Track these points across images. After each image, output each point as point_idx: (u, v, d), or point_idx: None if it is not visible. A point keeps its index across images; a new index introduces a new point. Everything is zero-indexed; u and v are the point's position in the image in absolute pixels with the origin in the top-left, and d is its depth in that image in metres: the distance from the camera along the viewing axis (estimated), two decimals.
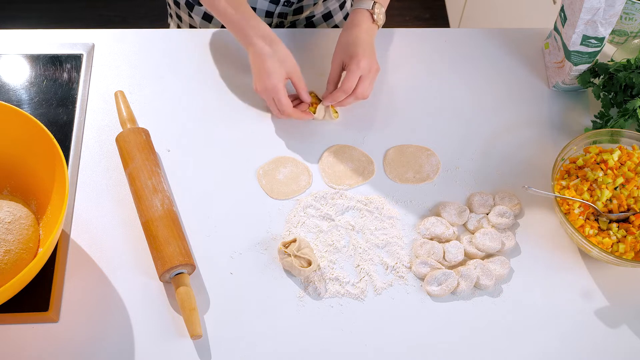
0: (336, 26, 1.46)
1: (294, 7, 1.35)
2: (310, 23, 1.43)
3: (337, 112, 1.15)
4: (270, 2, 1.31)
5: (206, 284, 0.99)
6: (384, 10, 1.15)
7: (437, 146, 1.15)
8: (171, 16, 1.47)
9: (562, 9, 1.15)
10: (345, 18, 1.47)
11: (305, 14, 1.39)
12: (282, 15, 1.36)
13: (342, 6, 1.46)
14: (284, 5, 1.32)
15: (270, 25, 1.39)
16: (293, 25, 1.42)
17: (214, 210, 1.06)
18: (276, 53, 1.08)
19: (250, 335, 0.95)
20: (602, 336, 0.97)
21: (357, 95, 1.11)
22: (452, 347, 0.95)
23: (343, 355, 0.94)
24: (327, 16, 1.44)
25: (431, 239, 1.04)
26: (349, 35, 1.12)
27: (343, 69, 1.13)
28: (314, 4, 1.36)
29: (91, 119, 1.15)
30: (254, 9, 1.34)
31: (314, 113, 1.14)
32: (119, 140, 1.07)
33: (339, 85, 1.11)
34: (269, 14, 1.34)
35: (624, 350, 0.96)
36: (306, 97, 1.13)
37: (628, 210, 1.02)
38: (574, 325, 0.98)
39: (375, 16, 1.13)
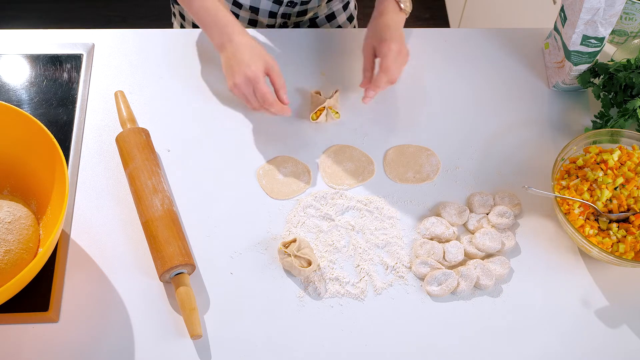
0: (339, 27, 1.46)
1: (297, 8, 1.34)
2: (313, 24, 1.43)
3: (337, 112, 1.15)
4: (273, 2, 1.31)
5: (206, 284, 0.99)
6: None
7: (437, 146, 1.15)
8: (174, 15, 1.47)
9: (562, 9, 1.15)
10: (348, 19, 1.47)
11: (309, 15, 1.39)
12: (285, 15, 1.36)
13: (345, 7, 1.45)
14: (287, 5, 1.32)
15: (273, 25, 1.39)
16: (297, 26, 1.42)
17: (214, 210, 1.06)
18: (255, 47, 1.07)
19: (250, 335, 0.95)
20: (602, 336, 0.97)
21: (389, 78, 1.11)
22: (452, 347, 0.95)
23: (343, 355, 0.94)
24: (331, 17, 1.44)
25: (431, 239, 1.04)
26: (377, 24, 1.13)
27: (375, 56, 1.13)
28: (318, 5, 1.36)
29: (91, 119, 1.15)
30: (257, 9, 1.34)
31: (317, 118, 1.14)
32: (119, 140, 1.07)
33: (380, 69, 1.10)
34: (272, 15, 1.34)
35: (624, 350, 0.96)
36: (284, 97, 1.10)
37: (628, 210, 1.02)
38: (574, 325, 0.98)
39: (402, 4, 1.13)
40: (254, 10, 1.35)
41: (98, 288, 0.98)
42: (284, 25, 1.39)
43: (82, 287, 0.98)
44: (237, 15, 1.38)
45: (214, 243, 1.03)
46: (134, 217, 1.04)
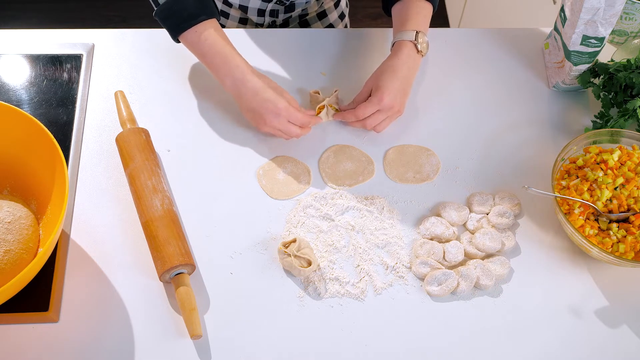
0: (331, 25, 1.46)
1: (285, 4, 1.34)
2: (304, 22, 1.43)
3: (339, 110, 1.15)
4: (262, 0, 1.31)
5: (206, 284, 0.99)
6: (426, 38, 1.12)
7: (437, 146, 1.15)
8: None
9: (562, 9, 1.15)
10: (340, 17, 1.47)
11: (297, 11, 1.39)
12: (273, 13, 1.36)
13: (336, 5, 1.45)
14: (275, 3, 1.32)
15: (262, 24, 1.39)
16: (286, 23, 1.41)
17: (214, 210, 1.06)
18: (270, 83, 1.07)
19: (250, 335, 0.95)
20: (602, 336, 0.97)
21: (365, 125, 1.10)
22: (452, 347, 0.95)
23: (343, 355, 0.94)
24: (322, 15, 1.44)
25: (431, 239, 1.04)
26: (386, 64, 1.10)
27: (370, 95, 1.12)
28: (306, 2, 1.36)
29: (91, 119, 1.15)
30: (246, 7, 1.34)
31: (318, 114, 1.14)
32: (119, 140, 1.07)
33: (355, 108, 1.10)
34: (260, 12, 1.34)
35: (624, 350, 0.96)
36: (312, 112, 1.12)
37: (628, 210, 1.02)
38: (574, 325, 0.98)
39: (419, 46, 1.11)
40: (243, 8, 1.35)
41: (98, 288, 0.98)
42: (273, 23, 1.39)
43: (82, 287, 0.98)
44: (227, 15, 1.38)
45: (214, 243, 1.03)
46: (134, 217, 1.04)
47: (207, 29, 1.07)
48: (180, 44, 1.12)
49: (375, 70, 1.12)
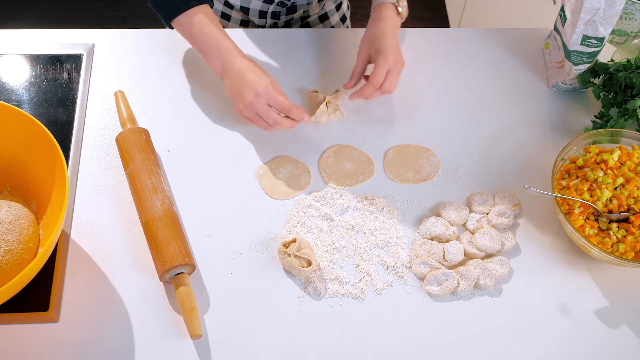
0: (332, 27, 1.46)
1: (287, 6, 1.34)
2: (306, 24, 1.43)
3: (341, 111, 1.15)
4: (263, 2, 1.31)
5: (206, 284, 0.99)
6: (405, 3, 1.16)
7: (437, 146, 1.15)
8: None
9: (562, 9, 1.15)
10: (341, 19, 1.47)
11: (299, 13, 1.39)
12: (275, 15, 1.35)
13: (338, 7, 1.45)
14: (277, 5, 1.32)
15: (264, 26, 1.39)
16: (287, 25, 1.41)
17: (214, 210, 1.06)
18: (257, 67, 1.07)
19: (250, 335, 0.95)
20: (602, 336, 0.97)
21: (383, 89, 1.11)
22: (452, 347, 0.95)
23: (343, 355, 0.94)
24: (324, 17, 1.44)
25: (431, 239, 1.04)
26: (375, 29, 1.13)
27: (369, 62, 1.14)
28: (308, 4, 1.36)
29: (91, 119, 1.15)
30: (247, 9, 1.34)
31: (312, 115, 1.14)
32: (119, 140, 1.07)
33: (369, 80, 1.11)
34: (262, 14, 1.34)
35: (624, 350, 0.96)
36: (295, 107, 1.07)
37: (628, 210, 1.02)
38: (574, 325, 0.98)
39: (400, 9, 1.14)
40: (245, 10, 1.35)
41: (98, 288, 0.98)
42: (274, 26, 1.39)
43: (82, 287, 0.98)
44: (229, 16, 1.38)
45: (214, 243, 1.03)
46: (134, 217, 1.04)
47: (198, 14, 1.09)
48: (178, 39, 1.12)
49: (363, 38, 1.14)
